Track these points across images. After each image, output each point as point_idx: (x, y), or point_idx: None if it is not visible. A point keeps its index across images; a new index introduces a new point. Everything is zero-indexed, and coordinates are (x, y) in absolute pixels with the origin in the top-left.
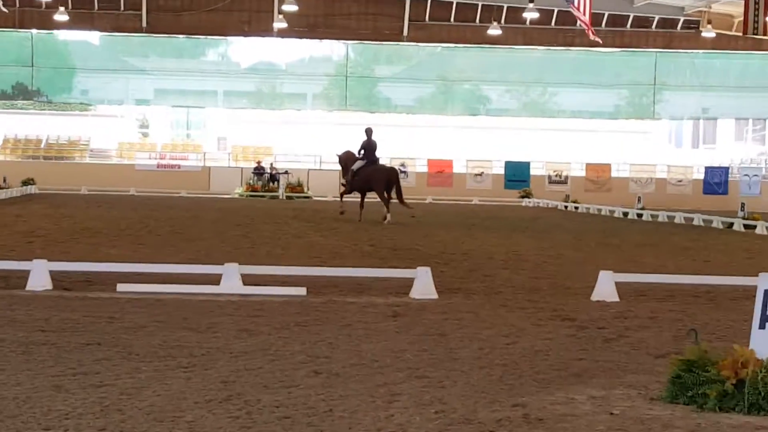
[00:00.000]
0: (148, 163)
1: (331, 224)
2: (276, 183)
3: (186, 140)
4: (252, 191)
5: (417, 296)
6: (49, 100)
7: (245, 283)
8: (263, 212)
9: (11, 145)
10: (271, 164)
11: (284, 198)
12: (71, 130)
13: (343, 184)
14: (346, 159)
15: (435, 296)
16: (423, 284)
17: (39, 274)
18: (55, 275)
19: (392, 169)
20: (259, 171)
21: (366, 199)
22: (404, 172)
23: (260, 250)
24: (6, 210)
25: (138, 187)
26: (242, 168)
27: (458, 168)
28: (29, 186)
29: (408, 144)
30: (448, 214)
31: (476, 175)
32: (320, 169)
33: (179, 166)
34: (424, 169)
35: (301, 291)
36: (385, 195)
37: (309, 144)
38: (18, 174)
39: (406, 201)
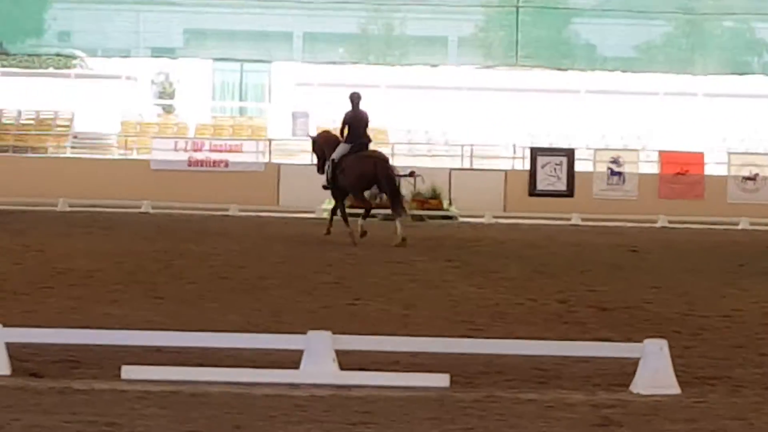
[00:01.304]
0: (172, 158)
1: (487, 263)
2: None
3: (238, 118)
4: (352, 206)
5: (644, 390)
6: (4, 51)
7: (343, 367)
8: (373, 243)
9: None
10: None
11: (408, 218)
12: (41, 102)
13: (325, 186)
14: (322, 144)
15: (676, 390)
16: (654, 369)
17: None
18: (16, 352)
19: (380, 158)
20: None
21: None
22: (618, 173)
23: (367, 308)
24: None
25: (155, 199)
26: None
27: (714, 167)
28: None
29: (625, 125)
30: (695, 248)
31: (746, 179)
32: (471, 169)
33: (226, 164)
34: (653, 168)
35: (441, 380)
36: (361, 194)
37: (451, 125)
38: None
39: (405, 207)
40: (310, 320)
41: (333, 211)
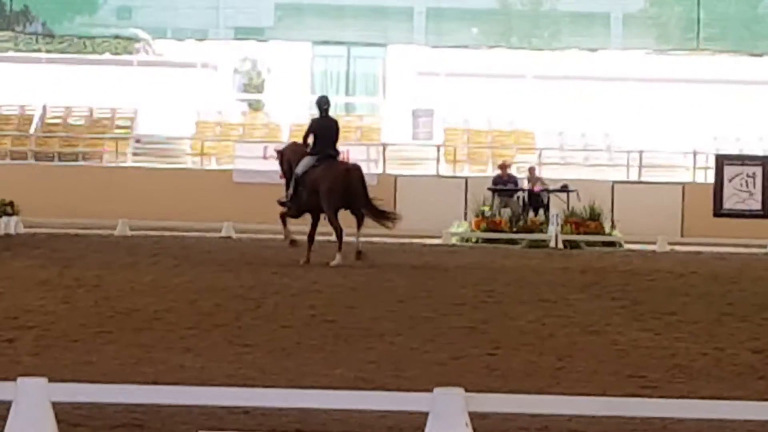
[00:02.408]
0: (260, 168)
1: (661, 303)
2: (542, 212)
3: (344, 118)
4: (489, 229)
5: None
6: (48, 32)
7: None
8: (514, 276)
9: None
10: (531, 170)
11: (560, 246)
12: (95, 98)
13: (281, 202)
14: (290, 156)
15: None
16: None
17: (29, 408)
18: (65, 413)
19: (352, 169)
20: (503, 184)
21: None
22: None
23: (509, 359)
24: None
25: (239, 221)
26: (466, 178)
27: None
28: (2, 218)
29: None
30: None
31: None
32: (639, 182)
33: None
34: None
35: None
36: (333, 213)
37: (614, 126)
38: None
39: (390, 214)
40: (438, 375)
41: (282, 220)
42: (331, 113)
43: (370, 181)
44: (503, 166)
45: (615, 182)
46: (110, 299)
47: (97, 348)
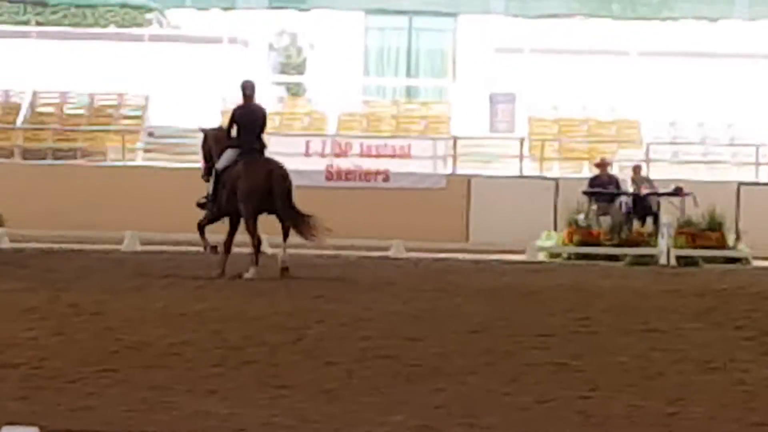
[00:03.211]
0: (301, 168)
1: None
2: (650, 221)
3: (404, 105)
4: (584, 242)
5: None
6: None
7: None
8: (614, 301)
9: None
10: (636, 169)
11: (672, 263)
12: (97, 80)
13: (199, 203)
14: (212, 144)
15: None
16: None
17: None
18: None
19: (274, 168)
20: (601, 187)
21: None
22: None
23: (609, 403)
24: None
25: (274, 233)
26: (556, 180)
27: None
28: None
29: None
30: None
31: None
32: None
33: (385, 176)
34: None
35: None
36: (252, 219)
37: (739, 116)
38: None
39: (313, 224)
40: (521, 422)
41: (200, 229)
42: (383, 98)
43: (437, 183)
44: (602, 165)
45: (741, 184)
46: (114, 330)
47: (98, 390)
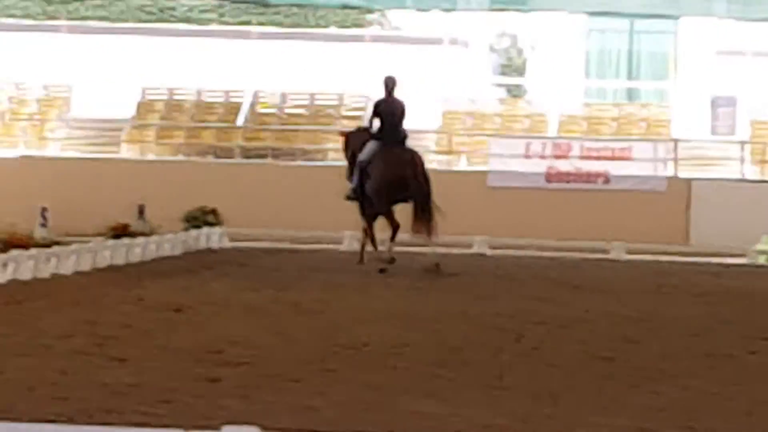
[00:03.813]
0: (521, 170)
1: None
2: None
3: (625, 107)
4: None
5: None
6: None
7: None
8: None
9: (158, 113)
10: None
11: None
12: (318, 80)
13: (348, 197)
14: (354, 143)
15: None
16: None
17: None
18: None
19: (411, 157)
20: None
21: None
22: None
23: None
24: (149, 292)
25: (496, 234)
26: None
27: None
28: (203, 229)
29: None
30: None
31: None
32: None
33: (606, 178)
34: None
35: None
36: (392, 210)
37: None
38: (178, 194)
39: (434, 230)
40: (744, 427)
41: (365, 231)
42: (604, 100)
43: (658, 186)
44: None
45: None
46: (335, 330)
47: (318, 390)
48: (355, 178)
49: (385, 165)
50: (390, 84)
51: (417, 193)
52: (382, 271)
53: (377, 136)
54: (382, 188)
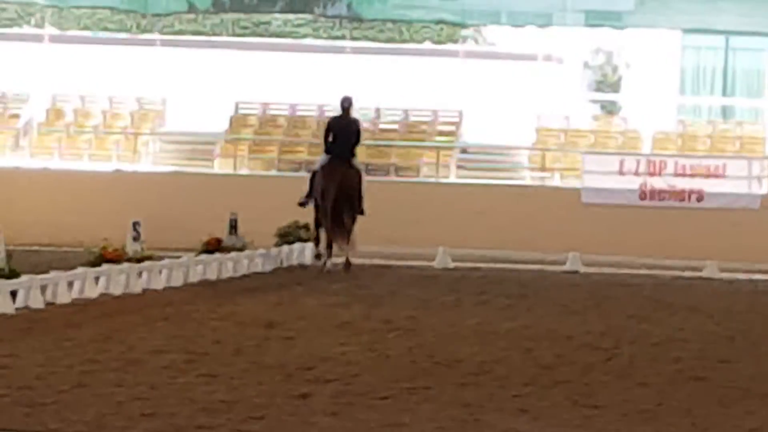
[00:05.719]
0: (615, 186)
1: None
2: None
3: (719, 124)
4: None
5: None
6: (355, 15)
7: None
8: None
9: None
10: None
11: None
12: (411, 95)
13: (300, 202)
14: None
15: None
16: None
17: None
18: None
19: (348, 172)
20: None
21: None
22: None
23: None
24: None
25: (589, 251)
26: None
27: None
28: (295, 245)
29: None
30: None
31: None
32: None
33: (699, 196)
34: None
35: None
36: (330, 219)
37: None
38: (271, 209)
39: (352, 237)
40: None
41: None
42: (699, 117)
43: (751, 204)
44: None
45: None
46: (427, 347)
47: (410, 407)
48: (308, 186)
49: (323, 175)
50: (346, 103)
51: (344, 204)
52: (322, 271)
53: (328, 150)
54: (318, 195)
